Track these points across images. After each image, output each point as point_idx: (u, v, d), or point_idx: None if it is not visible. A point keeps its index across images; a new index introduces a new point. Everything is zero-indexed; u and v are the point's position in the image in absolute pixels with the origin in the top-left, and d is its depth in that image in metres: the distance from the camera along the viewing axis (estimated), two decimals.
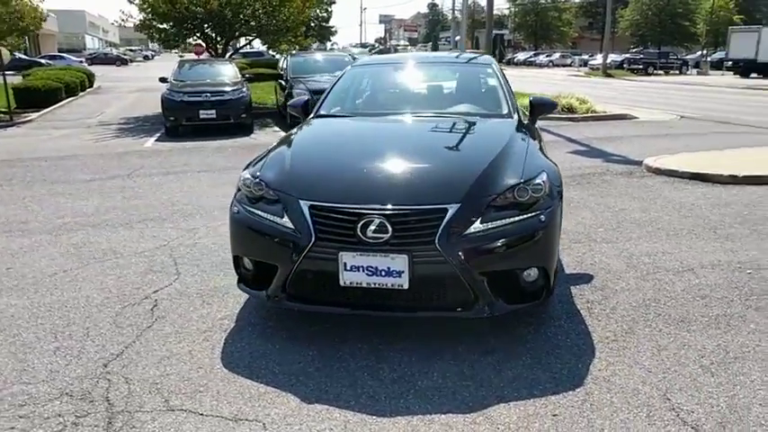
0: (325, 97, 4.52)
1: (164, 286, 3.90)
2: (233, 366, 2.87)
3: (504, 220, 2.87)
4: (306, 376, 2.77)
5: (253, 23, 17.37)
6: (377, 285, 2.82)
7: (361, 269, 2.81)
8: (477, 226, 2.83)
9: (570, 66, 54.00)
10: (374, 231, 2.79)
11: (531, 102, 4.32)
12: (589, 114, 13.58)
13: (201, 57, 18.66)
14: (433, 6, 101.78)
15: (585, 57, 54.90)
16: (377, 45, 79.21)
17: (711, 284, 3.78)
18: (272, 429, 2.37)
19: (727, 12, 61.88)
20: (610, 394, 2.58)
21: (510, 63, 59.23)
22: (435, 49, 65.70)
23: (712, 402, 2.52)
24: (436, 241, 2.76)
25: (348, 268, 2.82)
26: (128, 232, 5.17)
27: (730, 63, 38.27)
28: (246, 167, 3.52)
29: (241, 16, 17.01)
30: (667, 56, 42.88)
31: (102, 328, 3.31)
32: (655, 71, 40.11)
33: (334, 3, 51.11)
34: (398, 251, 2.78)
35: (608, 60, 39.37)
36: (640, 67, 41.02)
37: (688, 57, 46.52)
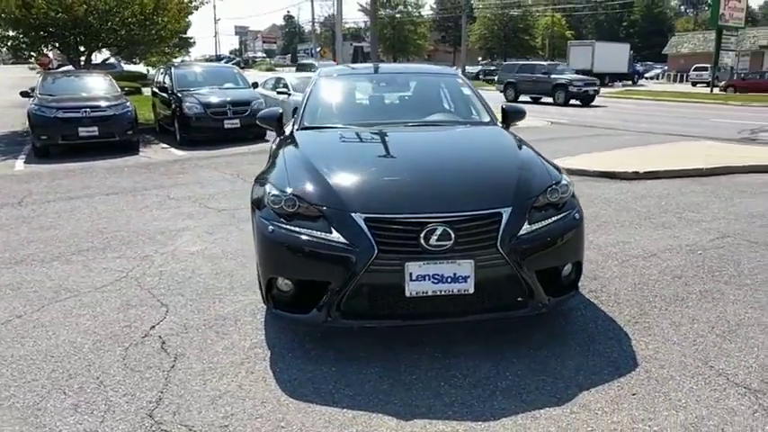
0: (304, 109, 4.37)
1: (158, 321, 3.49)
2: (301, 396, 2.68)
3: (546, 221, 3.03)
4: (385, 394, 2.68)
5: (123, 33, 16.00)
6: (443, 293, 2.82)
7: (427, 278, 2.79)
8: (526, 227, 2.95)
9: None
10: (438, 239, 2.78)
11: (504, 109, 4.57)
12: None
13: (61, 68, 16.77)
14: (289, 19, 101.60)
15: None
16: (233, 57, 76.89)
17: (679, 266, 4.30)
18: None
19: (560, 27, 69.75)
20: (665, 369, 2.85)
21: None
22: (294, 61, 65.61)
23: (744, 364, 2.90)
24: (498, 244, 2.84)
25: (414, 278, 2.79)
26: (68, 266, 4.52)
27: None
28: (262, 183, 3.30)
29: (110, 24, 15.59)
30: None
31: (115, 375, 2.88)
32: None
33: (191, 13, 48.98)
34: (463, 257, 2.81)
35: (465, 72, 42.34)
36: (495, 78, 44.63)
37: None
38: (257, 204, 3.24)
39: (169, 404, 2.63)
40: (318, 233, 2.89)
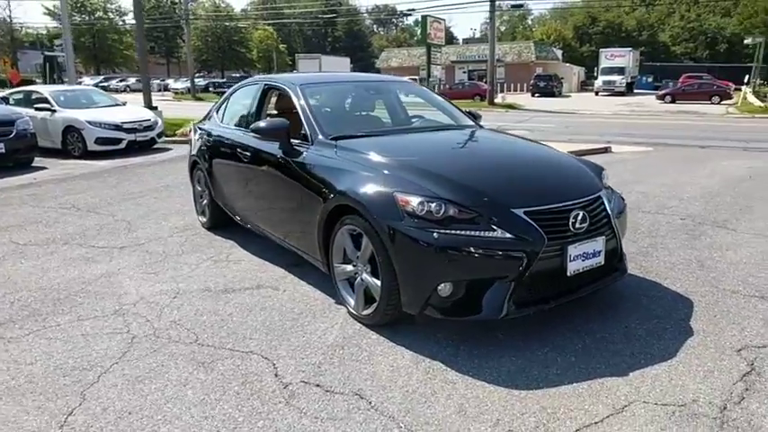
0: (316, 121, 3.96)
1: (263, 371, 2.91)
2: (492, 380, 2.68)
3: (613, 201, 3.61)
4: (561, 370, 2.84)
5: None
6: (586, 268, 3.16)
7: (579, 257, 3.08)
8: (609, 206, 3.49)
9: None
10: (580, 222, 3.11)
11: (471, 113, 4.96)
12: None
13: None
14: None
15: (166, 81, 54.92)
16: None
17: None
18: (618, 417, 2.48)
19: (273, 41, 72.14)
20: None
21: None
22: None
23: None
24: (612, 221, 3.32)
25: (572, 259, 3.04)
26: (56, 332, 3.26)
27: None
28: (386, 195, 3.07)
29: None
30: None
31: None
32: None
33: None
34: (597, 234, 3.17)
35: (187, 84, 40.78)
36: (226, 91, 44.22)
37: None
38: (393, 216, 3.00)
39: None
40: (482, 233, 2.91)
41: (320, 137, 3.81)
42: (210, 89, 45.53)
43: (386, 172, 3.25)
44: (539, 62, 42.39)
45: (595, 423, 2.43)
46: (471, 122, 4.64)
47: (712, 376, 2.77)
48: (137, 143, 11.42)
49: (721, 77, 37.37)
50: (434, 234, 2.88)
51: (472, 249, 2.87)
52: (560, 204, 3.09)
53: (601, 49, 44.31)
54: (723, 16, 62.51)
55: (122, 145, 11.16)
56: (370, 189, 3.18)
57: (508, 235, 2.91)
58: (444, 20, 37.83)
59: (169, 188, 7.78)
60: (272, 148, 4.08)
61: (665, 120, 21.01)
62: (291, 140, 3.92)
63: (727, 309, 3.56)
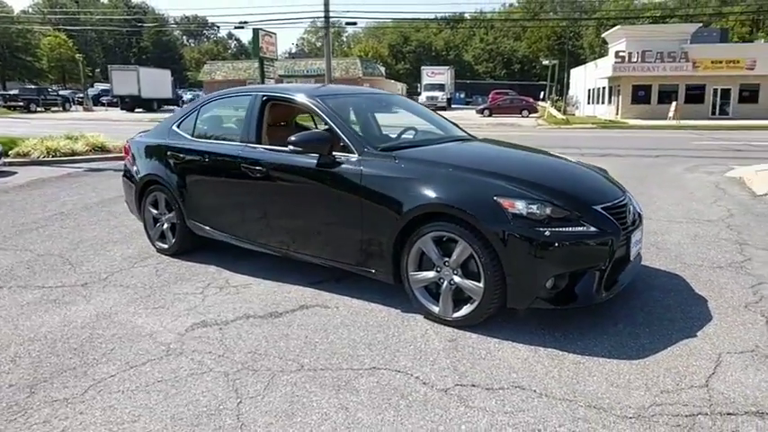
0: (355, 133, 3.94)
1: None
2: (607, 354, 3.03)
3: None
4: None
5: None
6: (636, 252, 3.68)
7: (635, 243, 3.58)
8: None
9: None
10: (631, 215, 3.62)
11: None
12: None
13: None
14: None
15: None
16: None
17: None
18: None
19: (67, 49, 64.32)
20: None
21: None
22: None
23: None
24: (641, 215, 3.90)
25: (633, 245, 3.54)
26: (123, 383, 2.63)
27: (116, 99, 41.37)
28: (487, 199, 3.23)
29: None
30: (47, 92, 41.74)
31: None
32: (37, 108, 38.49)
33: None
34: (640, 224, 3.75)
35: None
36: (21, 104, 38.41)
37: (63, 92, 46.27)
38: (500, 220, 3.18)
39: None
40: (577, 228, 3.23)
41: (369, 148, 3.80)
42: (1, 103, 39.22)
43: (475, 177, 3.41)
44: (365, 78, 44.38)
45: (713, 373, 2.89)
46: (466, 133, 4.94)
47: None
48: None
49: (522, 94, 43.23)
50: (546, 233, 3.13)
51: (574, 244, 3.18)
52: (618, 201, 3.57)
53: (423, 67, 48.02)
54: (515, 40, 72.27)
55: None
56: (466, 195, 3.30)
57: (593, 229, 3.28)
58: (275, 34, 37.73)
59: (68, 216, 6.76)
60: (303, 161, 3.94)
61: (489, 131, 23.62)
62: (334, 153, 3.84)
63: (707, 278, 4.38)
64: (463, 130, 5.02)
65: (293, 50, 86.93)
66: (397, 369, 2.97)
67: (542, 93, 41.02)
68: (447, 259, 3.39)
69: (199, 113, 4.99)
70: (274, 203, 4.20)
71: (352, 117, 4.53)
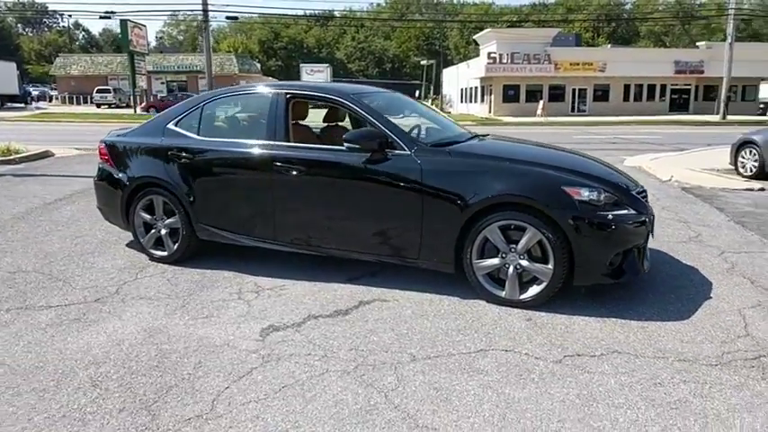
0: (404, 133, 4.03)
1: None
2: (679, 318, 3.56)
3: None
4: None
5: None
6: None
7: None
8: None
9: None
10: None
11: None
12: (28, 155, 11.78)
13: None
14: None
15: None
16: None
17: None
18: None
19: None
20: None
21: None
22: None
23: None
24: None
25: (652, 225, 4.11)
26: (243, 396, 2.53)
27: None
28: (556, 189, 3.57)
29: None
30: None
31: None
32: None
33: None
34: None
35: None
36: None
37: None
38: (570, 206, 3.53)
39: None
40: (625, 211, 3.68)
41: (420, 145, 3.95)
42: None
43: (536, 170, 3.73)
44: (241, 75, 43.00)
45: (747, 325, 3.49)
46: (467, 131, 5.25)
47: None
48: None
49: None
50: (609, 216, 3.55)
51: (629, 224, 3.64)
52: (641, 188, 4.11)
53: (302, 65, 47.64)
54: (386, 39, 74.24)
55: None
56: (535, 186, 3.60)
57: (633, 211, 3.76)
58: (146, 26, 35.15)
59: (3, 229, 5.97)
60: (347, 158, 3.99)
61: None
62: (386, 150, 3.93)
63: (684, 251, 5.14)
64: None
65: (153, 44, 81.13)
66: (503, 348, 3.19)
67: (417, 92, 42.77)
68: (513, 246, 3.67)
69: (202, 113, 4.73)
70: (311, 202, 4.17)
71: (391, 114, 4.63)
